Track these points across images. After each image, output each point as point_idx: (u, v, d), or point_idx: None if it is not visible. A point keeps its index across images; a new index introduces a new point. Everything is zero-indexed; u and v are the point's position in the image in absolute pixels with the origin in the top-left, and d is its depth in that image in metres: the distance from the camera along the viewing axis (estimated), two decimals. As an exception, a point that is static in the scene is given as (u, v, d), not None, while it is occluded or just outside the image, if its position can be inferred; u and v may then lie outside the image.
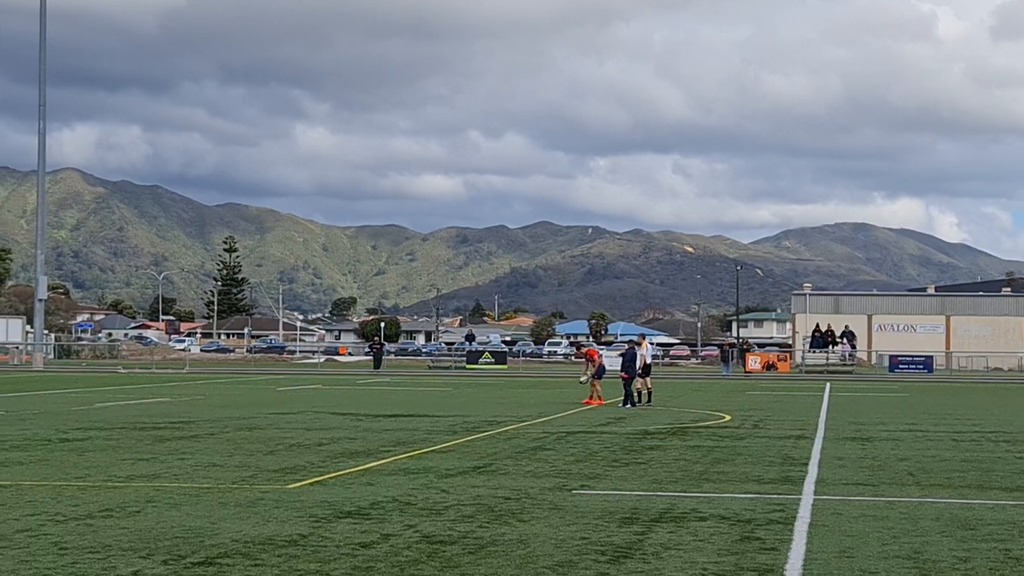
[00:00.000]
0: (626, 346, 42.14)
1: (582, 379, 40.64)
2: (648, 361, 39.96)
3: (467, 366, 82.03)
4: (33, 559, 11.36)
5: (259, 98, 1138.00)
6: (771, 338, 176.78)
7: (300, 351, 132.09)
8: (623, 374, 38.02)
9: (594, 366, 39.67)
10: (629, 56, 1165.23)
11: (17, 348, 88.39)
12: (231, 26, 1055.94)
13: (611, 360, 56.15)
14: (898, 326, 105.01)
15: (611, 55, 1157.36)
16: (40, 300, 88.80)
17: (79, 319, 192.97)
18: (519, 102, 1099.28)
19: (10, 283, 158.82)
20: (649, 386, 39.28)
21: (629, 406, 37.07)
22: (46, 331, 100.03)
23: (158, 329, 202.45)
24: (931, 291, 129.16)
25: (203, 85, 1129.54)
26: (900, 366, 79.32)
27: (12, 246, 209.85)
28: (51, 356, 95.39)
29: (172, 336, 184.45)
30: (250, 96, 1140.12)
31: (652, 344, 48.25)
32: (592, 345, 47.62)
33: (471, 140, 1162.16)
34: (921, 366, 79.02)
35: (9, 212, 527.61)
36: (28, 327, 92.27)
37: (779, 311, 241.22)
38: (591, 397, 39.32)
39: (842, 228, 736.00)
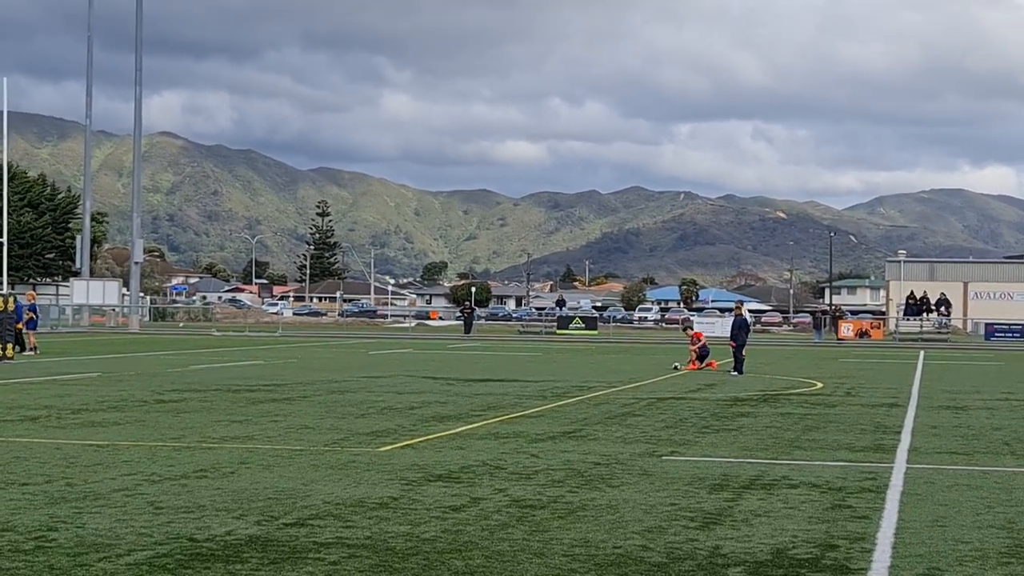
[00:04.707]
0: (733, 315, 42.20)
1: (677, 364, 40.30)
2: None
3: (557, 331, 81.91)
4: (129, 518, 11.52)
5: (342, 65, 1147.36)
6: (864, 305, 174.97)
7: (391, 315, 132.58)
8: (732, 343, 38.28)
9: (698, 346, 39.66)
10: (707, 23, 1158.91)
11: (113, 310, 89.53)
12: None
13: (699, 325, 56.26)
14: (995, 294, 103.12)
15: (689, 22, 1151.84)
16: (136, 263, 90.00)
17: (174, 282, 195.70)
18: (599, 69, 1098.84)
19: (107, 246, 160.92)
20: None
21: (736, 373, 36.93)
22: (142, 294, 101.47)
23: (251, 292, 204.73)
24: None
25: (286, 52, 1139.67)
26: (996, 334, 77.98)
27: (108, 209, 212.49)
28: (146, 318, 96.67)
29: (265, 299, 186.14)
30: (333, 63, 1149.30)
31: (748, 312, 48.40)
32: (694, 326, 47.67)
33: (552, 107, 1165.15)
34: (1018, 334, 77.60)
35: (105, 176, 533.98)
36: (124, 290, 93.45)
37: (873, 278, 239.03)
38: (693, 362, 39.33)
39: (937, 194, 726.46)
